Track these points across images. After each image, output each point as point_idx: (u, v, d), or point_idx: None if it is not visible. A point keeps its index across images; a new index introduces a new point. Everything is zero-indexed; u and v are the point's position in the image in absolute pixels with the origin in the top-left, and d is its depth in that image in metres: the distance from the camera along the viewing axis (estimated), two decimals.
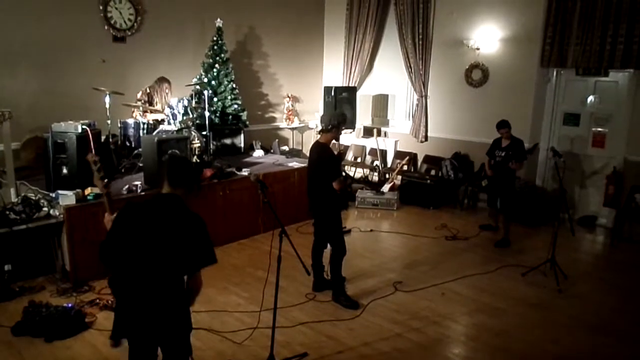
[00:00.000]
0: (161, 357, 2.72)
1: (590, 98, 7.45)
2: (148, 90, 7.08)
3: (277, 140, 9.05)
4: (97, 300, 4.62)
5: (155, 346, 2.72)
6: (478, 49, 8.14)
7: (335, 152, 4.89)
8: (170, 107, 6.86)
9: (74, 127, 5.38)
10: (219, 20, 7.90)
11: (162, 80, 7.16)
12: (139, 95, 6.97)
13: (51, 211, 5.02)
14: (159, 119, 6.91)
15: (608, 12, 6.77)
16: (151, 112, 6.91)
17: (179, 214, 2.56)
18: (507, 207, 6.52)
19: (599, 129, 7.43)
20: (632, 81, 7.01)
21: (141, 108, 6.84)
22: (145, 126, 6.70)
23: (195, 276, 2.61)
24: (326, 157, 4.66)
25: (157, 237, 2.51)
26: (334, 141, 4.93)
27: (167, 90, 7.14)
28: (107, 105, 6.31)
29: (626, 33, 6.66)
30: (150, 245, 2.52)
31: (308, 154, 5.25)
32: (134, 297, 2.56)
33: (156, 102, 7.08)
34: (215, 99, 7.95)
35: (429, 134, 9.00)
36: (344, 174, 5.22)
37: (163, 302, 2.54)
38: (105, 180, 2.95)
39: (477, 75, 8.29)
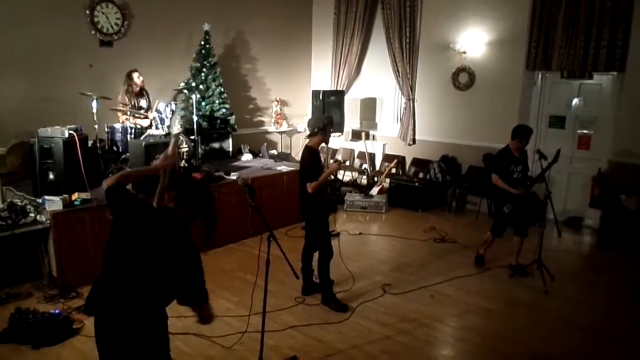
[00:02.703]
0: None
1: (575, 101, 7.55)
2: (126, 93, 6.95)
3: (265, 144, 9.05)
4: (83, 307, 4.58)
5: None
6: (464, 52, 8.21)
7: (331, 161, 4.91)
8: (158, 111, 6.83)
9: (60, 132, 5.34)
10: (206, 24, 7.90)
11: (129, 75, 6.92)
12: (119, 99, 6.88)
13: (38, 217, 4.98)
14: (144, 125, 6.87)
15: (591, 16, 6.88)
16: (135, 117, 6.85)
17: (175, 237, 2.43)
18: (524, 228, 5.60)
19: (584, 131, 7.53)
20: (615, 84, 7.12)
21: (129, 113, 6.80)
22: (133, 131, 6.67)
23: (204, 308, 2.61)
24: (306, 160, 4.69)
25: (144, 251, 2.38)
26: (323, 145, 4.94)
27: (138, 79, 6.93)
28: (94, 110, 6.26)
29: (609, 36, 6.77)
30: (135, 255, 2.39)
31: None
32: (111, 304, 2.41)
33: (134, 104, 6.93)
34: (203, 103, 7.94)
35: (416, 137, 9.06)
36: (332, 177, 5.19)
37: (137, 317, 2.40)
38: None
39: (463, 78, 8.36)
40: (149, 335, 2.45)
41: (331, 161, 8.49)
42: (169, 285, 2.43)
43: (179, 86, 7.66)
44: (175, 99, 7.37)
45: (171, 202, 2.55)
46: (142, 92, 7.05)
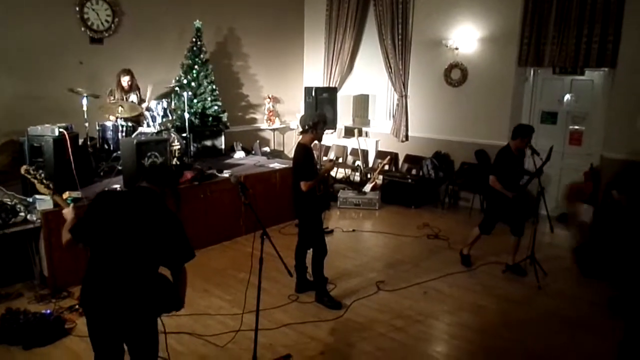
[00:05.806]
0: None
1: (567, 97, 7.57)
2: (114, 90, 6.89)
3: (258, 141, 9.02)
4: (77, 306, 4.54)
5: (120, 342, 2.71)
6: (457, 48, 8.21)
7: (324, 158, 4.89)
8: (149, 109, 6.78)
9: (50, 131, 5.30)
10: (197, 21, 7.85)
11: (119, 75, 6.87)
12: (111, 99, 6.83)
13: (28, 216, 4.93)
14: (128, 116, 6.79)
15: (583, 13, 6.89)
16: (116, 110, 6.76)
17: (155, 207, 2.71)
18: (521, 227, 5.61)
19: (576, 127, 7.55)
20: (607, 80, 7.14)
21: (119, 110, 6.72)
22: (124, 129, 6.61)
23: (181, 271, 2.78)
24: (300, 158, 4.67)
25: (131, 226, 2.62)
26: (315, 142, 4.92)
27: (128, 82, 6.88)
28: (85, 108, 6.21)
29: (601, 33, 6.78)
30: (123, 233, 2.61)
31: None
32: (104, 279, 2.60)
33: (117, 98, 6.86)
34: (195, 101, 7.89)
35: (409, 134, 9.06)
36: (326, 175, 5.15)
37: (131, 289, 2.59)
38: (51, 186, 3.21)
39: (456, 74, 8.36)
40: (152, 298, 2.67)
41: (324, 158, 8.48)
42: (161, 250, 2.67)
43: (171, 84, 7.61)
44: (171, 99, 7.28)
45: (143, 182, 2.82)
46: (131, 88, 6.96)
